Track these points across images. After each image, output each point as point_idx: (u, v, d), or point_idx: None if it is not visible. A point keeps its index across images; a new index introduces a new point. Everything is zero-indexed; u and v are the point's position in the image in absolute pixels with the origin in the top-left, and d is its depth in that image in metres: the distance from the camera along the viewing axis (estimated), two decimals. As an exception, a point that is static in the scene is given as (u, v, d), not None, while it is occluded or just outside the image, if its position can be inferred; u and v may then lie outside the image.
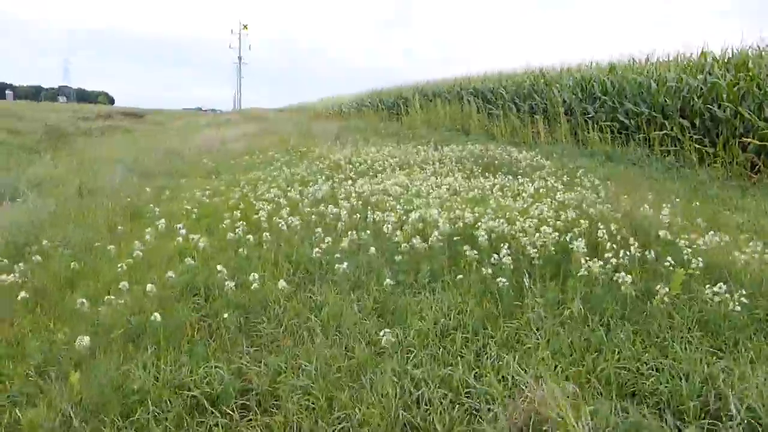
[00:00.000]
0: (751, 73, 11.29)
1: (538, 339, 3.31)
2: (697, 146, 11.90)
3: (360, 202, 6.80)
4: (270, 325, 3.83)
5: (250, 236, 5.35)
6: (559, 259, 4.47)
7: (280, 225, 5.54)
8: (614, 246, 4.51)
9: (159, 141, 21.96)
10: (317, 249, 4.87)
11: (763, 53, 12.16)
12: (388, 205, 6.26)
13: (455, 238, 4.84)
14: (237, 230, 5.68)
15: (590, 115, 15.53)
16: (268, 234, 5.32)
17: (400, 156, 11.93)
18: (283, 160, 12.87)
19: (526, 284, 4.04)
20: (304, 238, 5.65)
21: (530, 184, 7.47)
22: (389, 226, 5.12)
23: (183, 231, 5.66)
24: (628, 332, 3.39)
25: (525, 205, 6.04)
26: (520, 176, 8.85)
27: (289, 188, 8.39)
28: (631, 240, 4.64)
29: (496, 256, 4.42)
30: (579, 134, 15.58)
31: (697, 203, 7.31)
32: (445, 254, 4.56)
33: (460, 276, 4.11)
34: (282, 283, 4.13)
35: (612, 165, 12.28)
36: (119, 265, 4.47)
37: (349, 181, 8.70)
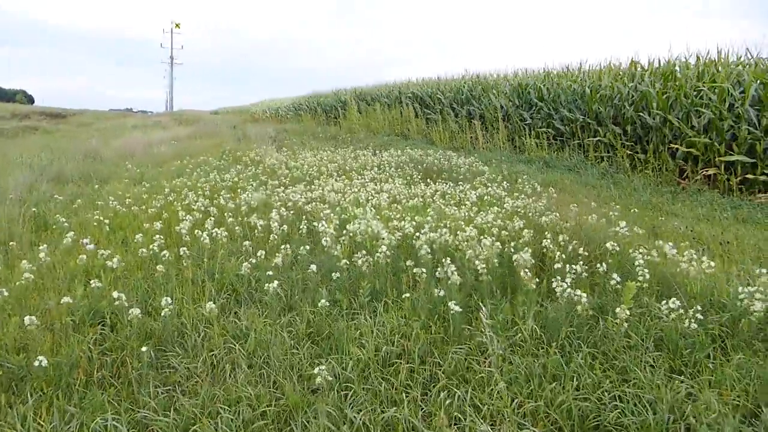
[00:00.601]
0: (678, 83, 11.65)
1: (490, 368, 2.96)
2: (629, 152, 12.18)
3: (292, 213, 6.32)
4: (186, 358, 3.30)
5: (166, 252, 4.76)
6: (504, 272, 4.18)
7: (203, 239, 4.97)
8: (563, 256, 4.27)
9: (80, 143, 20.47)
10: (246, 264, 4.36)
11: (689, 64, 12.61)
12: (323, 214, 5.81)
13: (396, 251, 4.47)
14: (155, 244, 5.08)
15: (527, 122, 15.68)
16: (186, 249, 4.74)
17: (337, 161, 11.49)
18: (215, 164, 12.14)
19: (476, 301, 3.72)
20: (233, 253, 5.12)
21: (473, 192, 7.23)
22: (327, 239, 4.67)
23: (91, 246, 4.99)
24: (585, 355, 3.11)
25: (470, 214, 5.76)
26: (461, 183, 8.63)
27: (218, 196, 7.78)
28: (581, 250, 4.42)
29: (442, 271, 4.08)
30: (516, 140, 15.70)
31: (635, 210, 7.29)
32: (387, 270, 4.17)
33: (406, 294, 3.73)
34: (209, 306, 3.61)
35: (550, 171, 12.37)
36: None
37: (283, 188, 8.19)
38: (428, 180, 8.90)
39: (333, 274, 4.13)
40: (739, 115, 10.22)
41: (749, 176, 9.87)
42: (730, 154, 10.21)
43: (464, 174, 10.13)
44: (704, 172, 10.59)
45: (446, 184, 8.29)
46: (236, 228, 5.64)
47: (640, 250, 4.50)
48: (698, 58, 12.63)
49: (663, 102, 11.58)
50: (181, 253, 4.73)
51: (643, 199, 9.64)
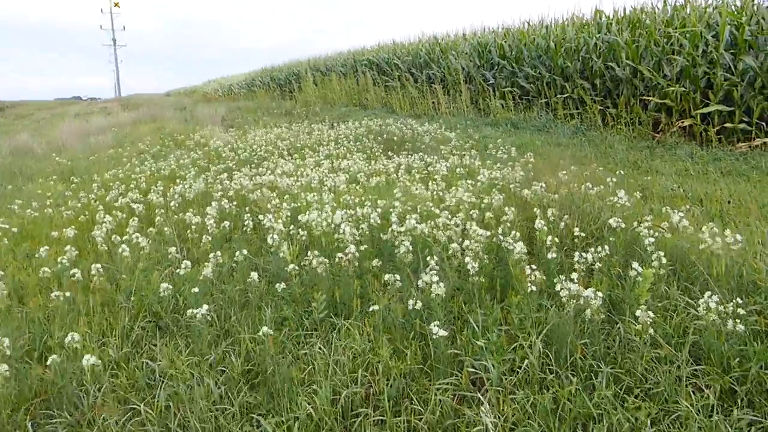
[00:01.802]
0: (647, 30, 10.96)
1: (486, 415, 2.17)
2: (600, 108, 11.53)
3: (235, 204, 5.39)
4: (79, 429, 2.43)
5: (76, 270, 3.81)
6: (492, 264, 3.40)
7: (121, 249, 4.01)
8: (556, 239, 3.51)
9: (10, 137, 18.81)
10: (166, 286, 3.46)
11: (656, 9, 11.92)
12: (270, 205, 4.91)
13: (361, 248, 3.63)
14: (64, 258, 4.12)
15: (490, 82, 14.87)
16: (98, 265, 3.79)
17: (290, 138, 10.50)
18: (154, 151, 10.99)
19: (459, 306, 2.93)
20: (159, 262, 4.20)
21: (441, 163, 6.39)
22: (275, 236, 3.77)
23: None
24: (607, 378, 2.37)
25: (439, 191, 4.93)
26: (426, 153, 7.79)
27: (152, 188, 6.76)
28: (576, 230, 3.67)
29: (420, 272, 3.27)
30: (480, 103, 14.90)
31: (621, 171, 6.61)
32: (348, 273, 3.32)
33: (374, 307, 2.89)
34: (112, 346, 2.72)
35: (518, 133, 11.65)
36: None
37: (228, 174, 7.22)
38: (390, 153, 8.03)
39: (277, 285, 3.27)
40: (714, 61, 9.62)
41: (727, 125, 9.33)
42: (706, 104, 9.64)
43: (428, 143, 9.30)
44: (680, 124, 10.01)
45: (411, 156, 7.44)
46: (166, 229, 4.69)
47: (645, 223, 3.78)
48: (665, 1, 11.94)
49: (633, 51, 10.90)
50: (92, 270, 3.79)
51: (620, 157, 9.02)
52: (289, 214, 4.51)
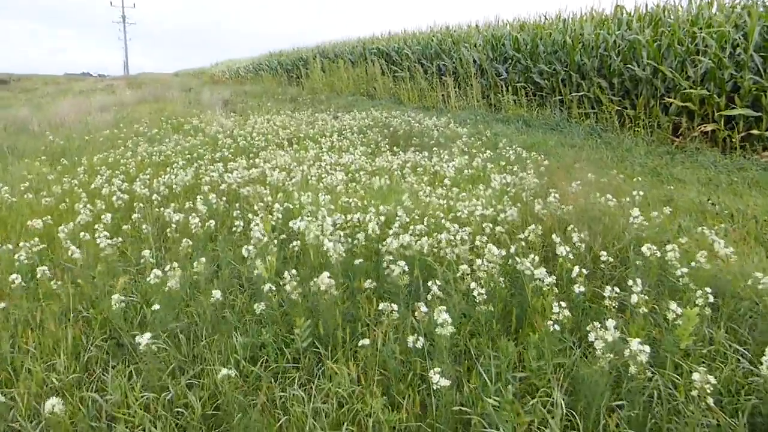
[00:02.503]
0: (671, 28, 10.40)
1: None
2: (617, 108, 11.00)
3: (225, 200, 4.95)
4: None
5: (43, 268, 3.37)
6: (506, 290, 2.95)
7: (77, 252, 3.56)
8: (581, 267, 3.05)
9: (9, 112, 18.41)
10: (117, 297, 3.01)
11: (679, 8, 11.35)
12: (258, 206, 4.45)
13: (356, 262, 3.18)
14: (23, 254, 3.69)
15: (503, 77, 14.34)
16: (50, 270, 3.36)
17: (291, 127, 10.03)
18: (150, 134, 10.54)
19: (465, 341, 2.49)
20: (132, 265, 3.78)
21: (449, 163, 5.92)
22: (250, 248, 3.30)
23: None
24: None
25: (449, 200, 4.45)
26: (434, 150, 7.31)
27: (139, 177, 6.32)
28: (603, 254, 3.21)
29: (422, 297, 2.83)
30: (491, 97, 14.38)
31: (639, 179, 6.13)
32: (338, 301, 2.87)
33: (363, 342, 2.46)
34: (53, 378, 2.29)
35: (530, 131, 11.15)
36: None
37: (221, 164, 6.78)
38: (395, 148, 7.56)
39: (256, 305, 2.83)
40: (741, 63, 9.08)
41: (753, 132, 8.81)
42: (732, 107, 9.11)
43: (437, 139, 8.82)
44: (702, 128, 9.49)
45: (417, 153, 6.98)
46: (144, 226, 4.25)
47: (677, 246, 3.32)
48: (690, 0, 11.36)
49: (654, 50, 10.35)
50: (41, 272, 3.34)
51: (638, 162, 8.53)
52: (281, 216, 4.06)
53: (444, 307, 2.31)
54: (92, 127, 13.37)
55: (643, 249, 2.97)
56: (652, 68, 10.50)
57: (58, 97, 26.58)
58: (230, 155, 7.52)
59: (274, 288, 2.84)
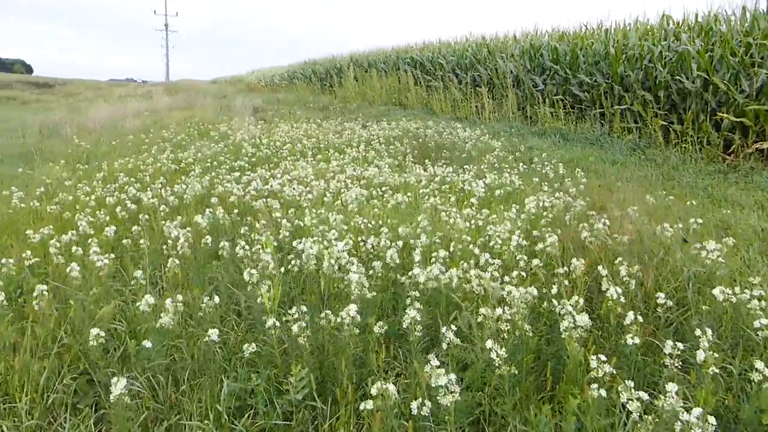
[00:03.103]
0: (725, 39, 9.71)
1: None
2: (663, 123, 10.32)
3: (237, 214, 4.60)
4: None
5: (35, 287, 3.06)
6: (537, 340, 2.47)
7: (69, 269, 3.24)
8: (632, 308, 2.56)
9: (46, 115, 18.75)
10: (97, 333, 2.66)
11: (733, 17, 10.63)
12: (261, 224, 4.05)
13: (368, 296, 2.75)
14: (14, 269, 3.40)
15: (540, 88, 13.78)
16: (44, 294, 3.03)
17: (318, 136, 9.71)
18: (176, 141, 10.38)
19: (489, 407, 2.04)
20: (125, 285, 3.44)
21: (479, 181, 5.43)
22: (253, 271, 2.90)
23: None
24: None
25: (477, 221, 3.97)
26: (465, 165, 6.85)
27: (154, 184, 6.06)
28: (660, 296, 2.70)
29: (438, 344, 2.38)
30: (528, 109, 13.82)
31: (693, 202, 5.55)
32: (349, 343, 2.43)
33: (365, 405, 2.01)
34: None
35: (568, 145, 10.57)
36: None
37: (239, 173, 6.47)
38: (425, 161, 7.13)
39: (246, 346, 2.43)
40: (805, 77, 8.35)
41: (816, 152, 8.07)
42: (793, 125, 8.38)
43: (469, 151, 8.35)
44: (758, 146, 8.77)
45: (446, 167, 6.53)
46: (142, 242, 3.92)
47: (751, 286, 2.79)
48: (744, 9, 10.63)
49: (706, 61, 9.67)
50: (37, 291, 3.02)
51: (686, 181, 7.89)
52: (288, 234, 3.67)
53: (443, 371, 1.86)
54: (120, 131, 13.39)
55: (715, 292, 2.44)
56: (703, 80, 9.82)
57: (96, 102, 27.10)
58: (248, 165, 7.22)
59: (277, 324, 2.43)
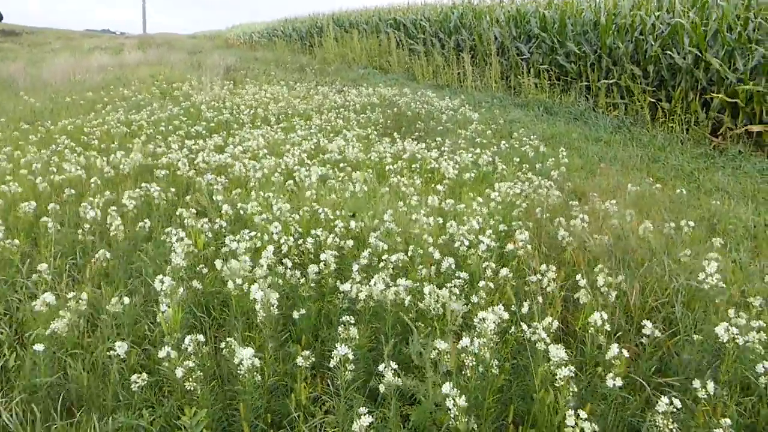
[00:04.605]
0: (723, 11, 9.19)
1: None
2: (651, 100, 9.86)
3: (173, 191, 4.04)
4: None
5: None
6: (505, 381, 2.02)
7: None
8: (621, 348, 2.12)
9: (4, 66, 17.65)
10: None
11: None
12: (189, 212, 3.49)
13: (296, 314, 2.26)
14: None
15: (525, 56, 13.17)
16: None
17: (288, 100, 9.06)
18: (134, 100, 9.63)
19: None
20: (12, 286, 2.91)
21: (449, 160, 4.90)
22: (165, 281, 2.34)
23: None
24: None
25: (441, 215, 3.46)
26: (438, 138, 6.32)
27: (95, 153, 5.41)
28: (648, 327, 2.25)
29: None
30: (511, 79, 13.23)
31: (683, 190, 5.14)
32: (259, 387, 1.93)
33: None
34: None
35: (551, 119, 10.08)
36: None
37: (194, 141, 5.87)
38: (394, 134, 6.58)
39: (134, 377, 1.94)
40: (803, 57, 7.91)
41: (809, 137, 7.71)
42: (786, 108, 7.98)
43: (445, 123, 7.81)
44: (747, 129, 8.37)
45: (419, 141, 6.01)
46: (50, 226, 3.35)
47: (752, 309, 2.38)
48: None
49: (700, 36, 9.16)
50: None
51: (672, 164, 7.49)
52: (225, 225, 3.14)
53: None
54: (80, 88, 12.51)
55: (719, 331, 2.00)
56: (694, 57, 9.34)
57: (62, 54, 25.66)
58: (206, 131, 6.60)
59: (172, 355, 1.93)
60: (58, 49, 31.55)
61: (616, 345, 2.00)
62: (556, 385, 1.84)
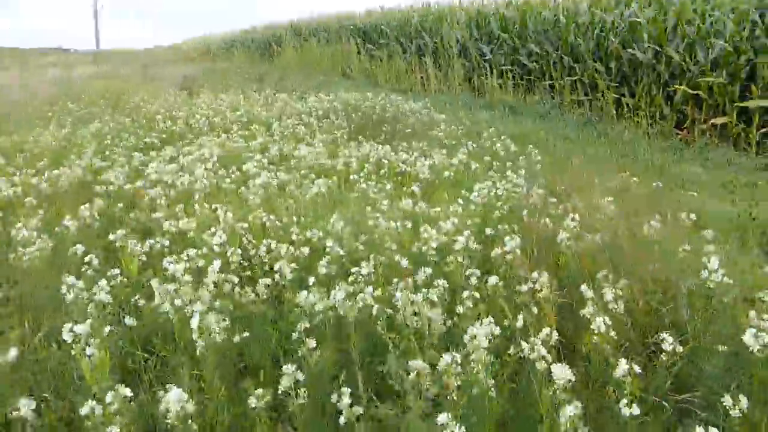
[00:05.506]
0: (681, 6, 9.22)
1: None
2: (615, 96, 9.82)
3: (120, 206, 3.62)
4: None
5: None
6: (499, 409, 1.72)
7: None
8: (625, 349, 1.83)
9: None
10: None
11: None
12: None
13: (240, 336, 1.91)
14: None
15: (487, 57, 13.06)
16: None
17: (246, 108, 8.66)
18: (80, 113, 9.06)
19: None
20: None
21: (421, 163, 4.61)
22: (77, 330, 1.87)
23: None
24: None
25: (413, 218, 3.13)
26: (404, 142, 6.04)
27: (30, 170, 4.91)
28: (668, 343, 1.98)
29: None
30: (475, 81, 13.11)
31: (659, 183, 4.96)
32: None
33: None
34: None
35: (518, 119, 9.94)
36: None
37: (141, 154, 5.44)
38: (359, 137, 6.27)
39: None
40: (763, 47, 7.95)
41: (773, 126, 7.73)
42: (748, 98, 7.99)
43: (413, 126, 7.55)
44: (712, 121, 8.37)
45: (384, 144, 5.71)
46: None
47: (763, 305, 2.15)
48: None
49: (660, 30, 9.17)
50: None
51: (642, 158, 7.39)
52: (167, 244, 2.75)
53: None
54: (24, 103, 11.81)
55: (745, 338, 1.73)
56: (654, 51, 9.34)
57: (10, 69, 24.57)
58: (158, 142, 6.17)
59: (97, 411, 1.55)
60: (7, 66, 30.26)
61: (624, 361, 1.71)
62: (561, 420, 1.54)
